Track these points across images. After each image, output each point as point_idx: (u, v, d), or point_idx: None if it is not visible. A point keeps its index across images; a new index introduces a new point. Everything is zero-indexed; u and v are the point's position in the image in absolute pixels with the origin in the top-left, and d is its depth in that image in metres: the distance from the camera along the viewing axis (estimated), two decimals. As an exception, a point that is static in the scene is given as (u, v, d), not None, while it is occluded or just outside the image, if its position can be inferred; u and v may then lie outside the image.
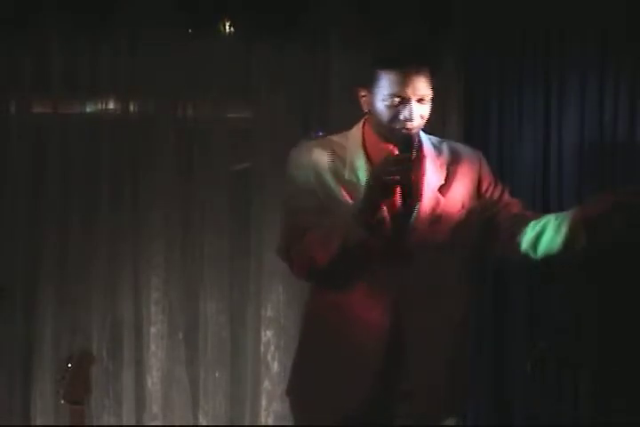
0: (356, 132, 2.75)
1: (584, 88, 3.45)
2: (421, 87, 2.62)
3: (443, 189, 2.71)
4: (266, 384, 3.81)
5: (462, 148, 2.82)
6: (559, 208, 3.45)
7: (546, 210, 3.48)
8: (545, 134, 3.57)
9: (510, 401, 3.61)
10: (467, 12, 3.65)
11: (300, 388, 2.83)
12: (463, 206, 2.72)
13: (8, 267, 3.71)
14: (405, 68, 2.61)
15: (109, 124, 3.77)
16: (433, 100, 2.68)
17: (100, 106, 3.78)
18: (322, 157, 2.72)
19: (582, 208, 2.62)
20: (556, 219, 2.64)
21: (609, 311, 3.34)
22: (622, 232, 2.63)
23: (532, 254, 2.69)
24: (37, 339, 3.74)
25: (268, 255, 3.66)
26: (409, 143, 2.59)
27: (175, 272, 3.82)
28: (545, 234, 2.65)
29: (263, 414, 3.84)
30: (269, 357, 3.81)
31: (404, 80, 2.61)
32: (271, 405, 3.81)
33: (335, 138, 2.78)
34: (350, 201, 2.64)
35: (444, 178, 2.72)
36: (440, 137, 2.90)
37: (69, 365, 2.89)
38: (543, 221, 2.67)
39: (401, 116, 2.62)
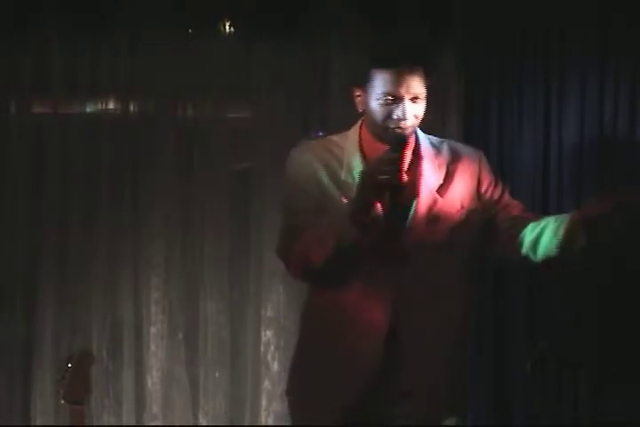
0: (353, 132, 2.75)
1: (584, 88, 3.45)
2: (415, 86, 2.62)
3: (441, 189, 2.71)
4: (266, 384, 3.81)
5: (462, 147, 2.83)
6: (559, 208, 3.46)
7: (545, 210, 3.48)
8: (545, 134, 3.56)
9: (510, 401, 3.61)
10: (467, 12, 3.65)
11: (298, 388, 2.83)
12: (462, 206, 2.73)
13: (8, 267, 3.71)
14: (398, 67, 2.62)
15: (109, 124, 3.77)
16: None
17: (99, 106, 3.78)
18: (319, 158, 2.72)
19: (581, 209, 2.62)
20: (555, 221, 2.64)
21: (609, 311, 3.34)
22: (622, 232, 2.63)
23: (532, 256, 2.70)
24: (37, 339, 3.74)
25: (268, 255, 3.66)
26: (401, 143, 2.59)
27: (175, 272, 3.82)
28: (544, 236, 2.65)
29: (263, 414, 3.84)
30: (269, 357, 3.81)
31: (398, 79, 2.61)
32: (271, 405, 3.81)
33: (334, 138, 2.79)
34: (346, 201, 2.64)
35: (442, 178, 2.72)
36: (440, 137, 2.90)
37: (69, 365, 2.89)
38: (543, 222, 2.68)
39: (394, 116, 2.63)
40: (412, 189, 2.67)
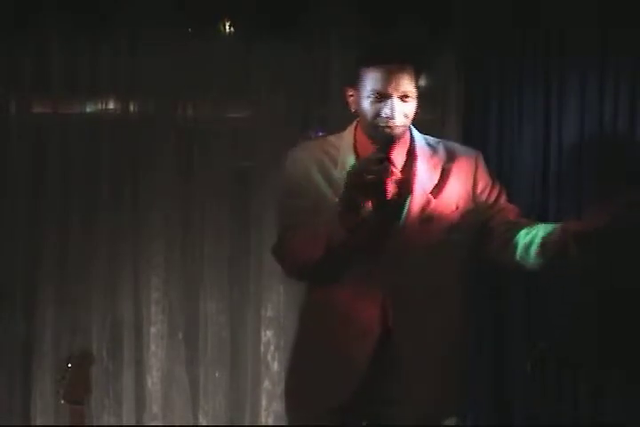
0: (348, 132, 2.76)
1: (584, 88, 3.44)
2: (404, 84, 2.62)
3: (435, 190, 2.70)
4: (266, 384, 3.81)
5: (459, 148, 2.82)
6: (559, 208, 3.45)
7: (545, 210, 3.48)
8: (545, 134, 3.56)
9: (510, 401, 3.61)
10: (467, 12, 3.65)
11: (295, 388, 2.83)
12: (457, 207, 2.72)
13: (8, 267, 3.71)
14: (387, 65, 2.62)
15: (109, 124, 3.77)
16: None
17: (100, 106, 3.78)
18: (315, 158, 2.73)
19: (574, 222, 2.60)
20: (546, 229, 2.63)
21: (609, 311, 3.34)
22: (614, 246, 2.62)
23: (525, 262, 2.68)
24: (37, 339, 3.74)
25: (268, 255, 3.62)
26: (388, 142, 2.59)
27: (175, 272, 3.82)
28: (534, 243, 2.64)
29: (263, 414, 3.84)
30: (269, 357, 3.81)
31: (386, 77, 2.62)
32: (271, 405, 3.81)
33: (331, 138, 2.79)
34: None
35: (437, 178, 2.72)
36: (439, 137, 2.90)
37: (69, 365, 2.89)
38: (535, 230, 2.66)
39: (382, 114, 2.63)
40: (406, 189, 2.67)
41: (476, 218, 2.74)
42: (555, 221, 3.40)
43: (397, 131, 2.64)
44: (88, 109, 3.78)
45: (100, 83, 3.74)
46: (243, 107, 3.86)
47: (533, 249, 2.62)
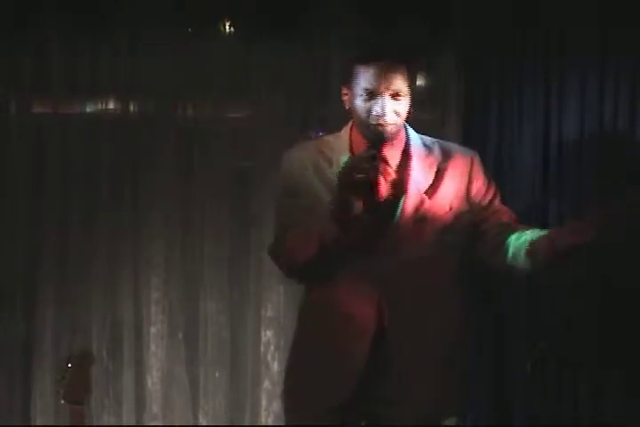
0: (344, 132, 2.76)
1: (584, 88, 3.44)
2: (395, 82, 2.62)
3: (430, 190, 2.70)
4: (266, 384, 3.81)
5: (456, 148, 2.81)
6: (559, 208, 3.45)
7: (545, 210, 3.48)
8: (545, 134, 3.56)
9: (510, 401, 3.61)
10: (467, 12, 3.65)
11: (294, 388, 2.83)
12: (451, 208, 2.71)
13: (8, 267, 3.71)
14: (379, 63, 2.62)
15: (109, 124, 3.77)
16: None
17: (100, 106, 3.78)
18: (311, 158, 2.73)
19: (560, 231, 2.58)
20: (533, 234, 2.62)
21: (609, 311, 3.34)
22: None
23: (515, 266, 2.68)
24: (37, 339, 3.74)
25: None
26: (379, 140, 2.59)
27: (175, 272, 3.82)
28: (522, 249, 2.64)
29: (263, 414, 3.84)
30: (269, 357, 3.81)
31: (377, 74, 2.62)
32: (271, 405, 3.81)
33: (328, 138, 2.80)
34: None
35: (432, 178, 2.71)
36: (439, 137, 2.89)
37: (69, 365, 2.89)
38: (525, 235, 2.65)
39: (373, 112, 2.63)
40: (400, 189, 2.67)
41: (469, 219, 2.74)
42: (555, 221, 3.42)
43: (389, 129, 2.64)
44: (88, 109, 3.78)
45: (100, 83, 3.74)
46: (243, 107, 3.86)
47: (521, 255, 2.62)
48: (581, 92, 3.45)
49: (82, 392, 2.85)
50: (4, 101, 3.71)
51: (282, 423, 3.68)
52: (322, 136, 2.87)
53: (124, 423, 3.78)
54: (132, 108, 3.78)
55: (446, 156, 2.76)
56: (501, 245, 2.68)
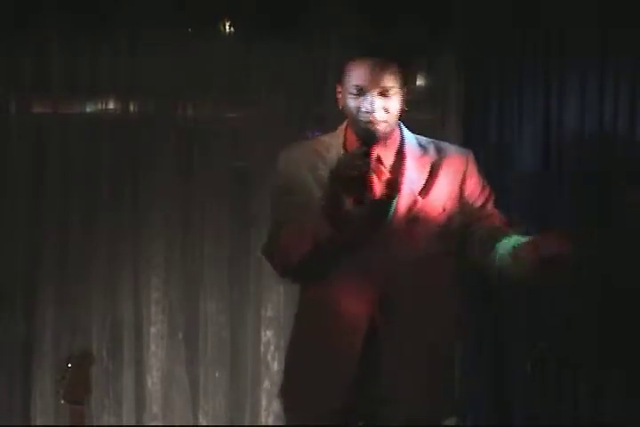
0: (339, 131, 2.76)
1: (584, 88, 3.45)
2: (384, 79, 2.62)
3: (423, 190, 2.69)
4: (266, 384, 3.81)
5: (451, 148, 2.80)
6: (559, 209, 3.45)
7: (545, 210, 3.48)
8: (545, 134, 3.56)
9: (510, 401, 3.61)
10: (467, 12, 3.65)
11: (291, 388, 2.83)
12: (444, 209, 2.71)
13: (8, 267, 3.71)
14: (367, 60, 2.63)
15: (109, 124, 3.77)
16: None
17: (100, 106, 3.79)
18: (306, 157, 2.73)
19: (544, 239, 2.57)
20: (517, 240, 2.62)
21: (609, 311, 3.34)
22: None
23: (504, 270, 2.67)
24: (37, 339, 3.74)
25: (268, 255, 3.66)
26: (370, 137, 2.59)
27: (175, 272, 3.82)
28: (507, 255, 2.63)
29: (263, 414, 3.84)
30: (269, 357, 3.81)
31: (366, 71, 2.63)
32: (271, 405, 3.81)
33: (323, 138, 2.79)
34: None
35: (425, 178, 2.71)
36: (439, 137, 2.89)
37: (69, 365, 2.89)
38: (512, 239, 2.64)
39: (362, 108, 2.63)
40: (394, 188, 2.67)
41: (462, 220, 2.73)
42: (554, 221, 3.42)
43: (380, 126, 2.64)
44: (88, 109, 3.78)
45: (100, 83, 3.75)
46: (243, 107, 3.86)
47: (507, 259, 2.62)
48: (581, 92, 3.45)
49: (82, 392, 2.85)
50: (3, 101, 3.71)
51: (282, 423, 3.69)
52: (318, 136, 2.86)
53: (124, 423, 3.78)
54: (131, 108, 3.78)
55: (441, 155, 2.75)
56: (491, 248, 2.67)
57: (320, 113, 3.74)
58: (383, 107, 2.63)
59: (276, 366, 3.79)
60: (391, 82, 2.63)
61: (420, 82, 3.80)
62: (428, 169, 2.72)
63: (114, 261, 3.79)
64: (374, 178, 2.63)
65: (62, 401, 2.86)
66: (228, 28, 3.75)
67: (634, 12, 3.29)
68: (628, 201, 3.26)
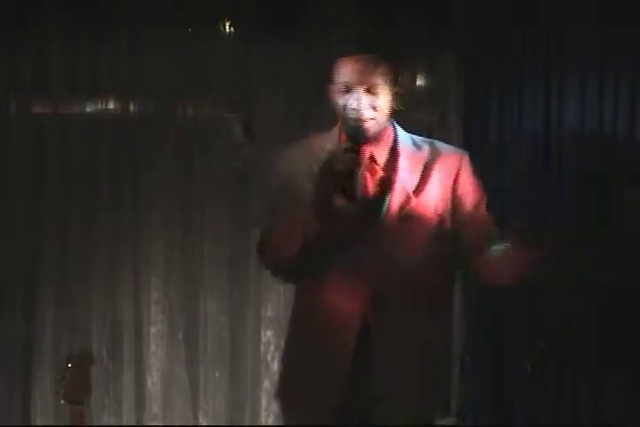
0: (334, 130, 2.76)
1: (584, 88, 3.45)
2: (371, 76, 2.62)
3: (417, 188, 2.69)
4: (266, 384, 3.81)
5: (446, 147, 2.79)
6: (559, 209, 3.45)
7: (545, 211, 3.48)
8: (545, 134, 3.56)
9: (510, 401, 3.61)
10: (467, 12, 3.65)
11: (287, 389, 2.82)
12: (437, 208, 2.70)
13: (8, 267, 3.71)
14: (354, 57, 2.63)
15: (109, 124, 3.77)
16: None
17: (100, 106, 3.79)
18: (300, 157, 2.73)
19: (516, 249, 2.57)
20: (499, 247, 2.62)
21: (609, 311, 3.34)
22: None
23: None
24: (37, 339, 3.74)
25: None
26: (357, 133, 2.59)
27: (175, 272, 3.82)
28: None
29: (263, 414, 3.84)
30: (269, 357, 3.81)
31: (352, 68, 2.63)
32: (271, 405, 3.81)
33: (318, 137, 2.79)
34: None
35: (419, 176, 2.70)
36: (439, 137, 2.89)
37: (69, 365, 2.89)
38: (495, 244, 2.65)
39: (349, 105, 2.63)
40: (387, 186, 2.66)
41: (454, 220, 2.73)
42: (554, 221, 3.42)
43: (368, 124, 2.64)
44: (88, 109, 3.78)
45: (100, 83, 3.75)
46: (243, 107, 3.86)
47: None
48: (581, 92, 3.45)
49: (82, 392, 2.85)
50: (3, 101, 3.71)
51: (282, 423, 3.69)
52: (314, 135, 2.86)
53: (124, 423, 3.78)
54: (131, 108, 3.78)
55: (435, 154, 2.74)
56: (482, 252, 2.66)
57: (321, 113, 3.73)
58: (370, 104, 2.63)
59: (275, 366, 3.79)
60: (377, 79, 2.63)
61: (420, 82, 3.80)
62: (421, 168, 2.71)
63: (114, 261, 3.79)
64: (367, 176, 2.64)
65: (62, 401, 2.86)
66: (228, 28, 3.75)
67: (634, 12, 3.29)
68: (628, 201, 3.26)
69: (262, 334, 3.83)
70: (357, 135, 2.60)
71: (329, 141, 2.73)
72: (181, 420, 3.80)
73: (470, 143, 3.63)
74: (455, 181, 2.73)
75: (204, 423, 3.82)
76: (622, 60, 3.33)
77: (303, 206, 2.62)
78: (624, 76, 3.34)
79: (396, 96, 2.68)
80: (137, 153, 3.78)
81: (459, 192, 2.73)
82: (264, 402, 3.83)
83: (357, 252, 2.64)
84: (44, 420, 3.72)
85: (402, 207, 2.66)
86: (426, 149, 2.75)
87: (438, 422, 2.80)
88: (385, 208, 2.65)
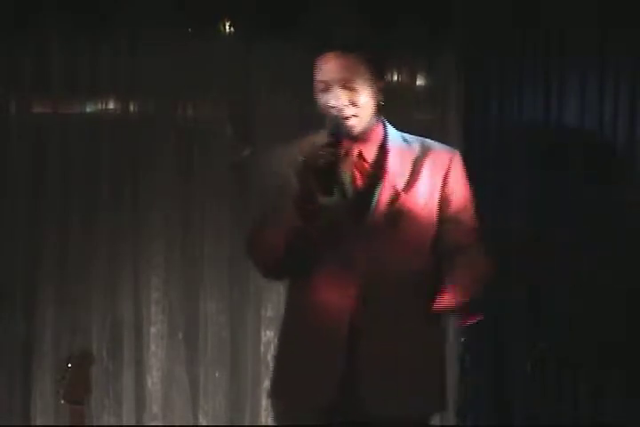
0: (323, 130, 2.75)
1: (584, 88, 3.45)
2: (345, 72, 2.62)
3: (406, 185, 2.69)
4: (266, 384, 3.81)
5: (436, 146, 2.79)
6: (559, 209, 3.45)
7: (545, 211, 3.48)
8: (545, 135, 3.56)
9: (510, 401, 3.61)
10: (467, 12, 3.65)
11: (280, 389, 2.82)
12: (425, 205, 2.70)
13: (8, 267, 3.71)
14: (330, 54, 2.63)
15: (109, 124, 3.77)
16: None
17: (100, 106, 3.79)
18: (292, 157, 2.72)
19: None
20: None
21: (609, 311, 3.34)
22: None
23: None
24: (37, 339, 3.74)
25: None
26: (337, 127, 2.59)
27: (175, 272, 3.82)
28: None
29: (263, 414, 3.84)
30: (269, 357, 3.80)
31: (329, 66, 2.64)
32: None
33: (309, 137, 2.78)
34: None
35: (408, 173, 2.70)
36: (439, 137, 2.88)
37: (69, 365, 2.89)
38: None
39: (329, 103, 2.63)
40: (375, 181, 2.66)
41: (438, 217, 2.72)
42: (554, 221, 3.42)
43: (351, 121, 2.64)
44: (88, 109, 3.78)
45: (100, 83, 3.75)
46: (243, 107, 3.86)
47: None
48: (581, 92, 3.45)
49: (82, 392, 2.86)
50: (3, 101, 3.71)
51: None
52: (306, 135, 2.86)
53: (124, 423, 3.78)
54: (131, 108, 3.78)
55: (425, 151, 2.74)
56: (450, 257, 2.67)
57: (321, 113, 3.73)
58: (350, 100, 2.62)
59: (275, 366, 3.79)
60: (353, 75, 2.62)
61: (420, 82, 3.80)
62: (411, 164, 2.71)
63: (114, 261, 3.79)
64: (356, 173, 2.64)
65: (62, 401, 2.86)
66: (228, 28, 3.75)
67: (634, 12, 3.29)
68: (627, 201, 3.26)
69: (262, 334, 3.83)
70: (339, 132, 2.59)
71: (317, 141, 2.73)
72: (181, 420, 3.81)
73: (470, 143, 3.63)
74: (445, 179, 2.72)
75: (204, 423, 3.83)
76: (622, 60, 3.33)
77: (287, 205, 2.61)
78: (624, 76, 3.34)
79: (380, 91, 2.68)
80: (137, 153, 3.78)
81: (448, 190, 2.72)
82: (264, 402, 3.82)
83: (347, 247, 2.64)
84: (43, 420, 3.72)
85: (391, 203, 2.65)
86: (416, 146, 2.74)
87: (435, 418, 2.80)
88: (374, 204, 2.65)
